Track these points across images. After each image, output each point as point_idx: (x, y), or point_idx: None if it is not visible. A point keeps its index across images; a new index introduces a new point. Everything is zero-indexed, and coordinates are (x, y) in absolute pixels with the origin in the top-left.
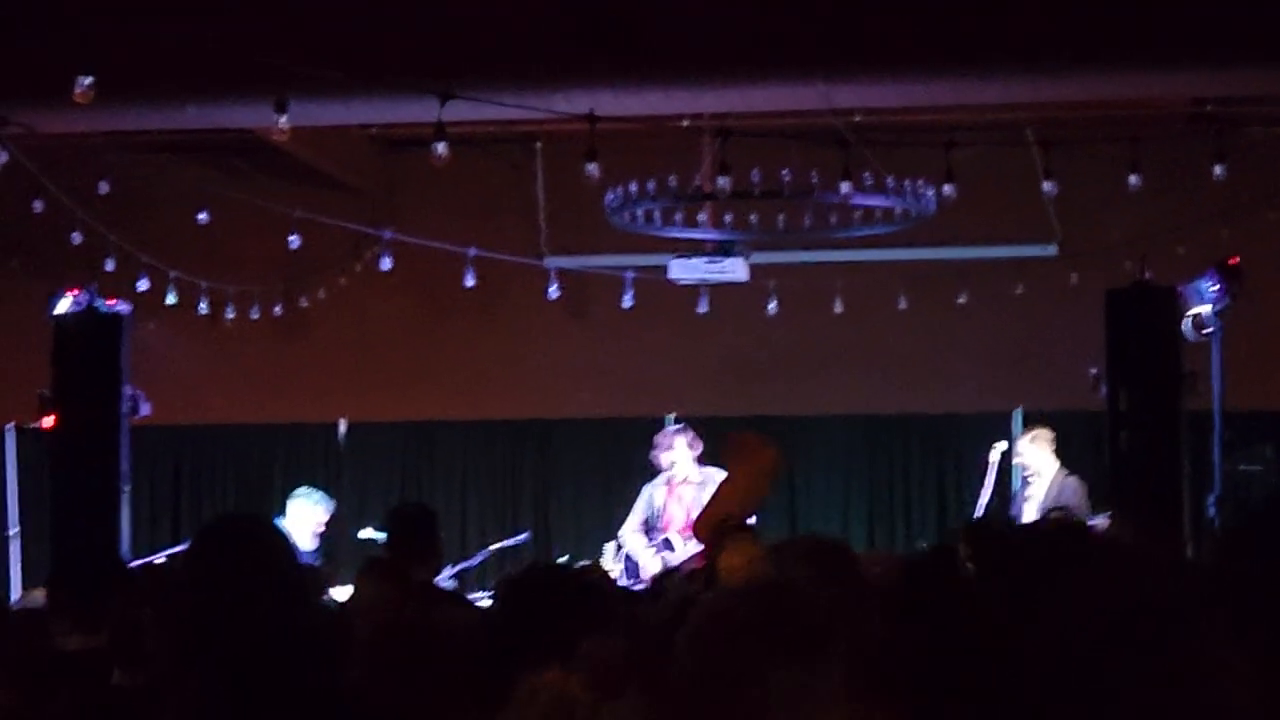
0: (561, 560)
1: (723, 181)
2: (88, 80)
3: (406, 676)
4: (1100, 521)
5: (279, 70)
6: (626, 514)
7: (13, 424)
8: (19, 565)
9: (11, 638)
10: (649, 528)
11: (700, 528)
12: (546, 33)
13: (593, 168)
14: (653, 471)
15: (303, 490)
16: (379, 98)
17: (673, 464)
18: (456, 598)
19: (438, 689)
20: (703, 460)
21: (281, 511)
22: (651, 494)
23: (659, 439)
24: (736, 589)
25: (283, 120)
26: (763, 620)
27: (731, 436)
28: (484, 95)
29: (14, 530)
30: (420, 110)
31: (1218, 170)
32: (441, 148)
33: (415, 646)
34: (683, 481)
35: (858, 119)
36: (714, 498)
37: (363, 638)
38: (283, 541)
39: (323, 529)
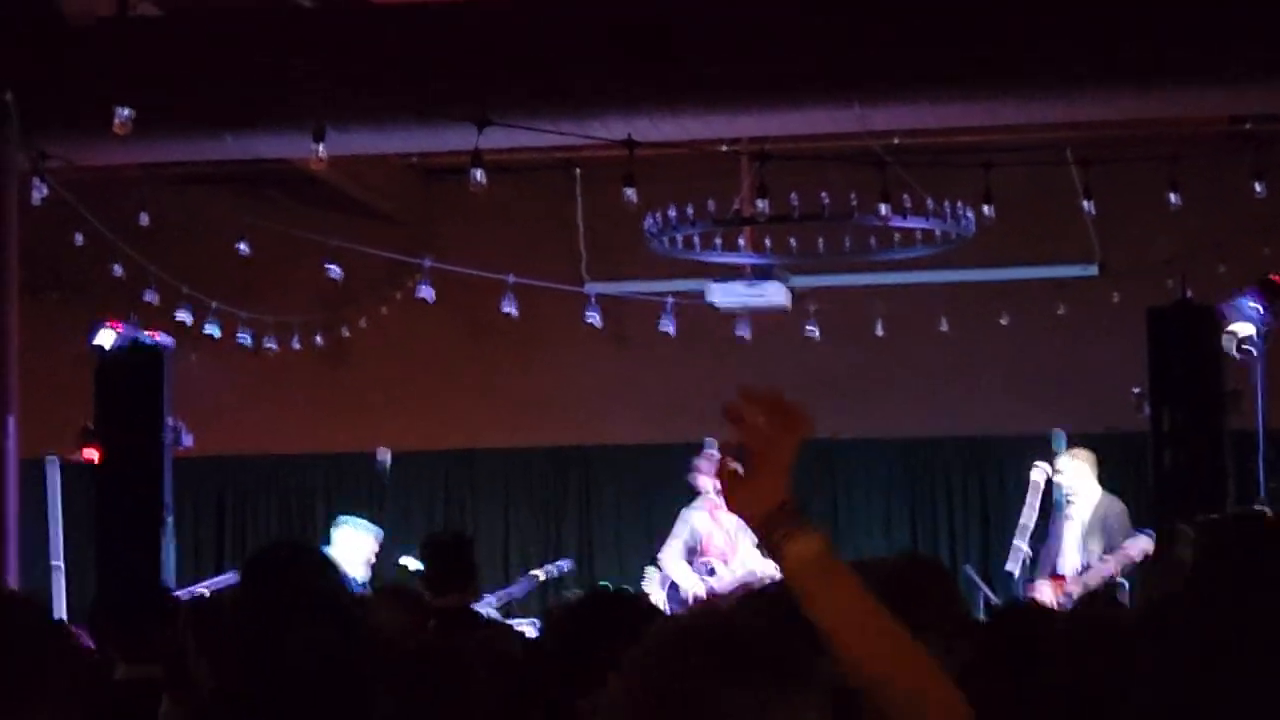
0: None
1: (762, 205)
2: (126, 112)
3: (417, 700)
4: (1144, 541)
5: (316, 100)
6: (666, 538)
7: (56, 456)
8: (64, 596)
9: (62, 667)
10: (690, 552)
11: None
12: (584, 59)
13: (631, 193)
14: (693, 495)
15: (349, 519)
16: (416, 126)
17: (714, 488)
18: (493, 624)
19: (453, 714)
20: None
21: (327, 540)
22: (692, 518)
23: (699, 462)
24: (695, 610)
25: (320, 149)
26: (715, 641)
27: None
28: (521, 122)
29: (57, 562)
30: (458, 138)
31: (1258, 188)
32: (479, 175)
33: (426, 672)
34: (724, 507)
35: (896, 141)
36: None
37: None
38: (331, 570)
39: (373, 558)
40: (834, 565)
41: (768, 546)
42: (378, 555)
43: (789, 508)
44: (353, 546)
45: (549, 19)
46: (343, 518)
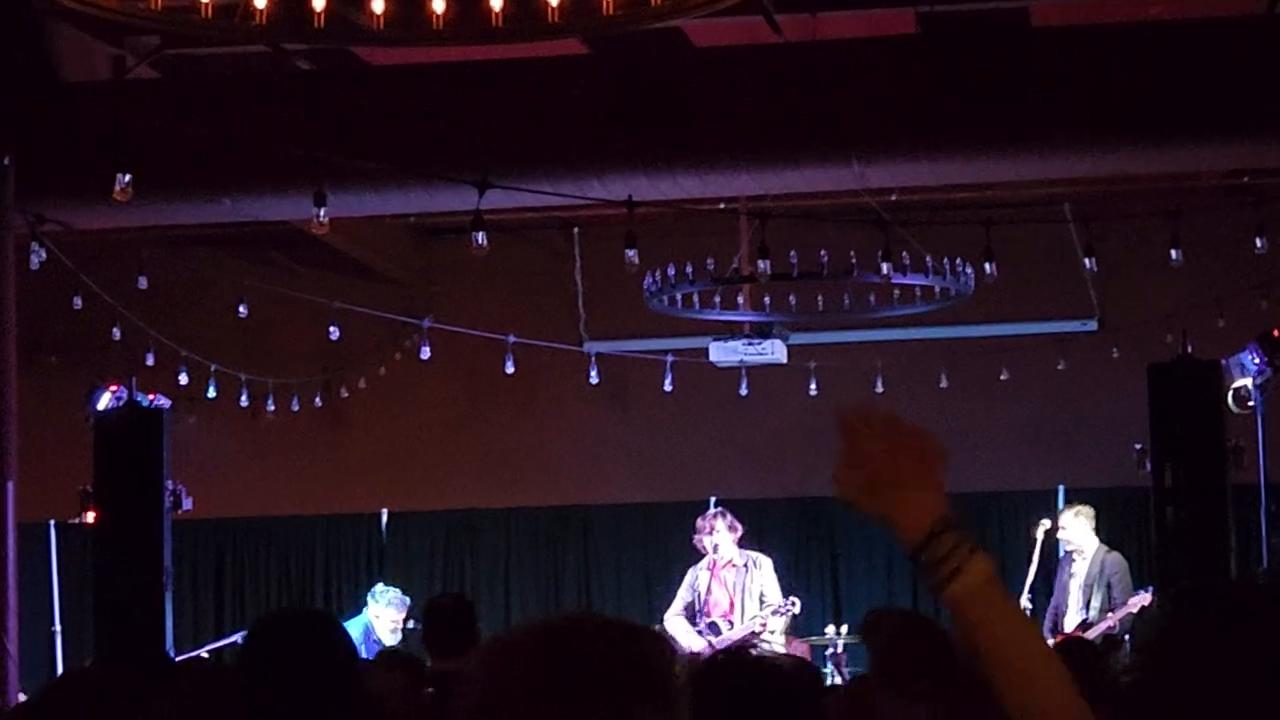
0: None
1: (763, 265)
2: (126, 178)
3: None
4: (1144, 597)
5: (314, 162)
6: (669, 598)
7: (53, 520)
8: (61, 662)
9: None
10: (692, 611)
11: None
12: (582, 120)
13: (632, 254)
14: (694, 555)
15: (380, 589)
16: (416, 188)
17: (715, 547)
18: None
19: None
20: (744, 543)
21: (328, 601)
22: (695, 577)
23: (700, 523)
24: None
25: (322, 214)
26: (545, 659)
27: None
28: (521, 183)
29: (55, 626)
30: (457, 199)
31: (1259, 243)
32: (481, 238)
33: None
34: (726, 565)
35: (894, 197)
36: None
37: None
38: (335, 639)
39: (402, 624)
40: (1002, 588)
41: (931, 576)
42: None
43: (951, 528)
44: (383, 617)
45: (548, 79)
46: (378, 587)
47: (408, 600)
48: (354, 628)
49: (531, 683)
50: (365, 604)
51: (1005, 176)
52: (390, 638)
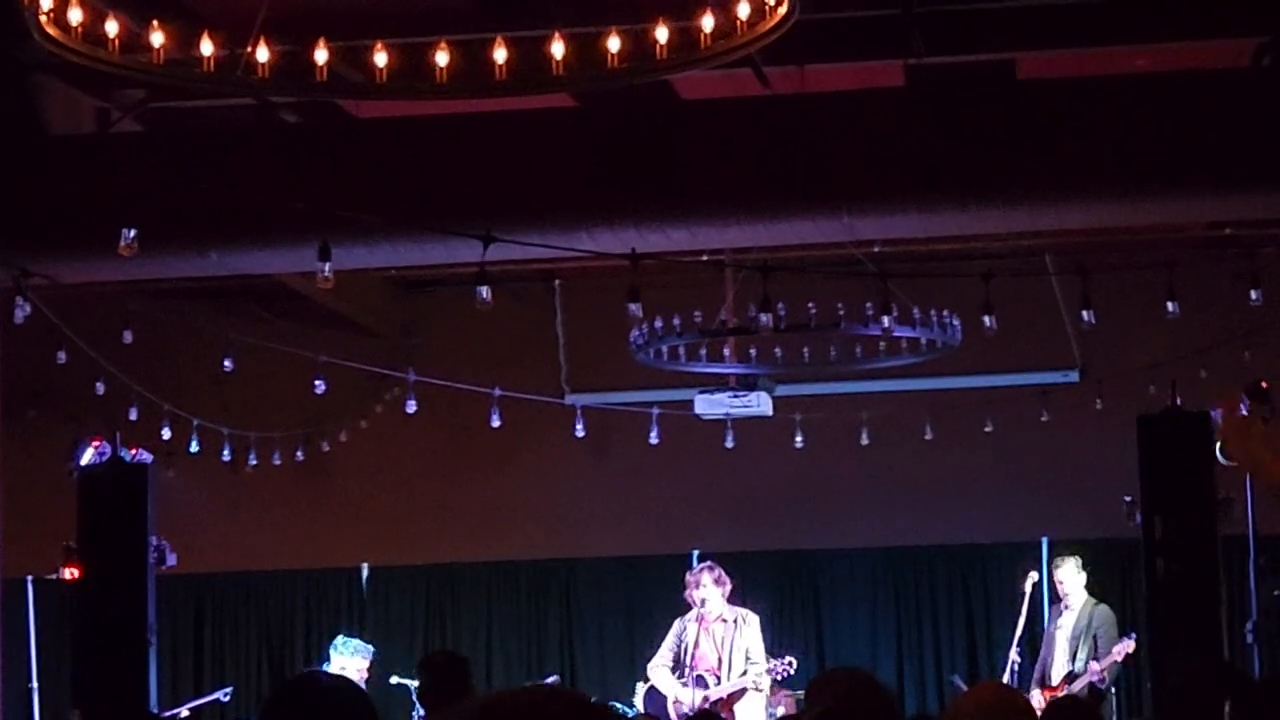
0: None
1: (765, 319)
2: (132, 233)
3: None
4: (1127, 644)
5: (301, 216)
6: (653, 652)
7: (31, 576)
8: (38, 717)
9: None
10: (678, 663)
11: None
12: (570, 174)
13: (635, 307)
14: (679, 607)
15: (342, 640)
16: (407, 242)
17: (703, 601)
18: None
19: None
20: (732, 599)
21: (309, 656)
22: (684, 628)
23: (689, 577)
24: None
25: (326, 268)
26: None
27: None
28: (512, 237)
29: (32, 684)
30: (446, 253)
31: (1254, 295)
32: (486, 292)
33: None
34: (715, 619)
35: (877, 249)
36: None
37: None
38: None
39: (366, 675)
40: None
41: None
42: (372, 671)
43: None
44: (346, 667)
45: (535, 133)
46: (339, 639)
47: (371, 649)
48: None
49: None
50: (328, 658)
51: (994, 228)
52: None
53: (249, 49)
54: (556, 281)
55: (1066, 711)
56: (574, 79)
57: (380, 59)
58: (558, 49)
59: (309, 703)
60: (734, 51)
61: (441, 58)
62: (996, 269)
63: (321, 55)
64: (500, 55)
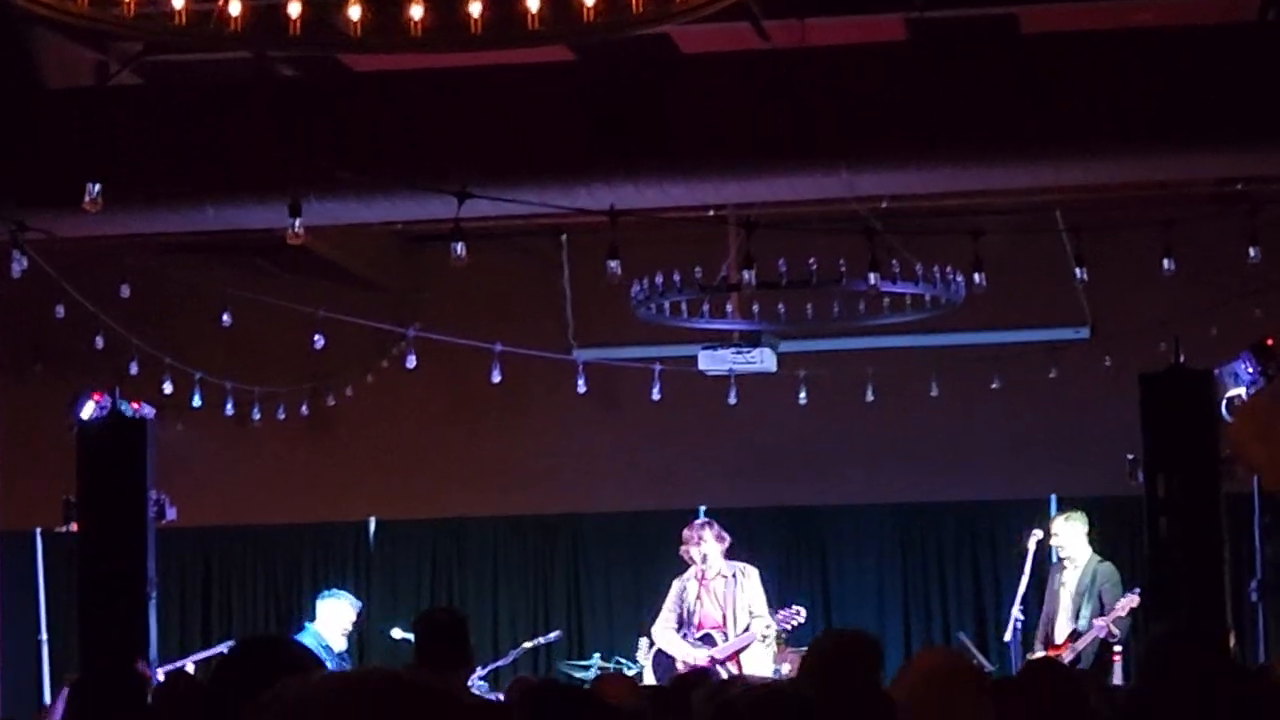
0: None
1: (748, 275)
2: (96, 188)
3: None
4: (1132, 599)
5: (297, 171)
6: (658, 608)
7: (39, 529)
8: (48, 669)
9: None
10: (681, 624)
11: None
12: (568, 128)
13: (614, 265)
14: (683, 564)
15: (332, 591)
16: (399, 197)
17: (704, 558)
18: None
19: None
20: (732, 553)
21: (310, 612)
22: (684, 588)
23: (687, 534)
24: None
25: (297, 224)
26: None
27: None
28: (506, 192)
29: (41, 635)
30: (442, 208)
31: (1253, 253)
32: (460, 248)
33: None
34: (715, 576)
35: (884, 205)
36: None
37: None
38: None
39: (351, 628)
40: None
41: None
42: (358, 625)
43: None
44: (332, 618)
45: (533, 86)
46: (327, 591)
47: (359, 602)
48: (305, 640)
49: None
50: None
51: (996, 184)
52: (339, 641)
53: (221, 2)
54: (563, 236)
55: (1042, 673)
56: (550, 33)
57: (354, 12)
58: (533, 2)
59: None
60: (711, 5)
61: (416, 11)
62: (1005, 225)
63: (295, 8)
64: (475, 9)
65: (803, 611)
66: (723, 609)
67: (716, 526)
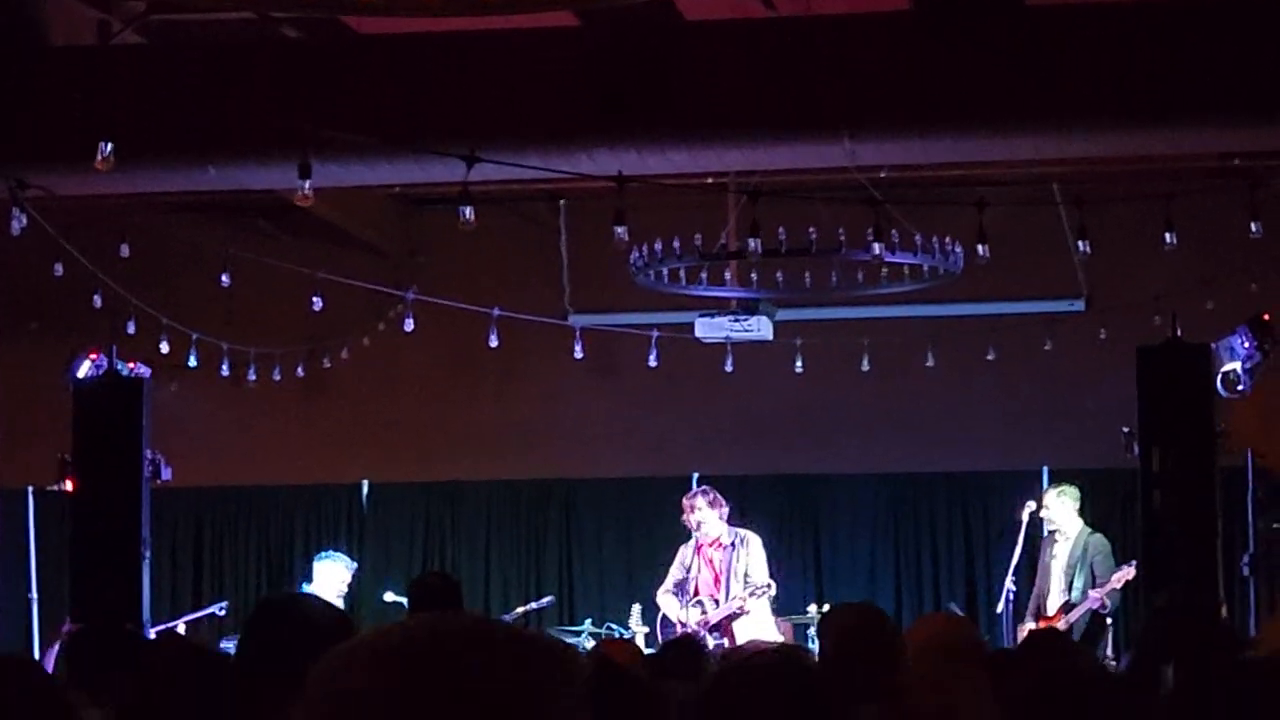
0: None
1: (754, 243)
2: (109, 147)
3: None
4: (1127, 571)
5: (300, 132)
6: (651, 574)
7: (31, 486)
8: (38, 628)
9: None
10: (680, 589)
11: None
12: (571, 94)
13: (621, 231)
14: (679, 530)
15: (328, 553)
16: (403, 160)
17: (699, 525)
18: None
19: None
20: (733, 520)
21: (305, 574)
22: (685, 554)
23: (684, 502)
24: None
25: (306, 186)
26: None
27: None
28: (509, 157)
29: (32, 594)
30: (445, 171)
31: (1254, 228)
32: (469, 212)
33: None
34: (713, 543)
35: (883, 174)
36: None
37: None
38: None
39: (347, 590)
40: None
41: None
42: (353, 586)
43: None
44: (327, 579)
45: (537, 52)
46: (323, 552)
47: (354, 564)
48: None
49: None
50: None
51: (998, 156)
52: (335, 603)
53: None
54: (561, 201)
55: (1042, 642)
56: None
57: None
58: None
59: (293, 620)
60: None
61: None
62: (1002, 197)
63: None
64: None
65: (773, 585)
66: (717, 575)
67: (713, 493)
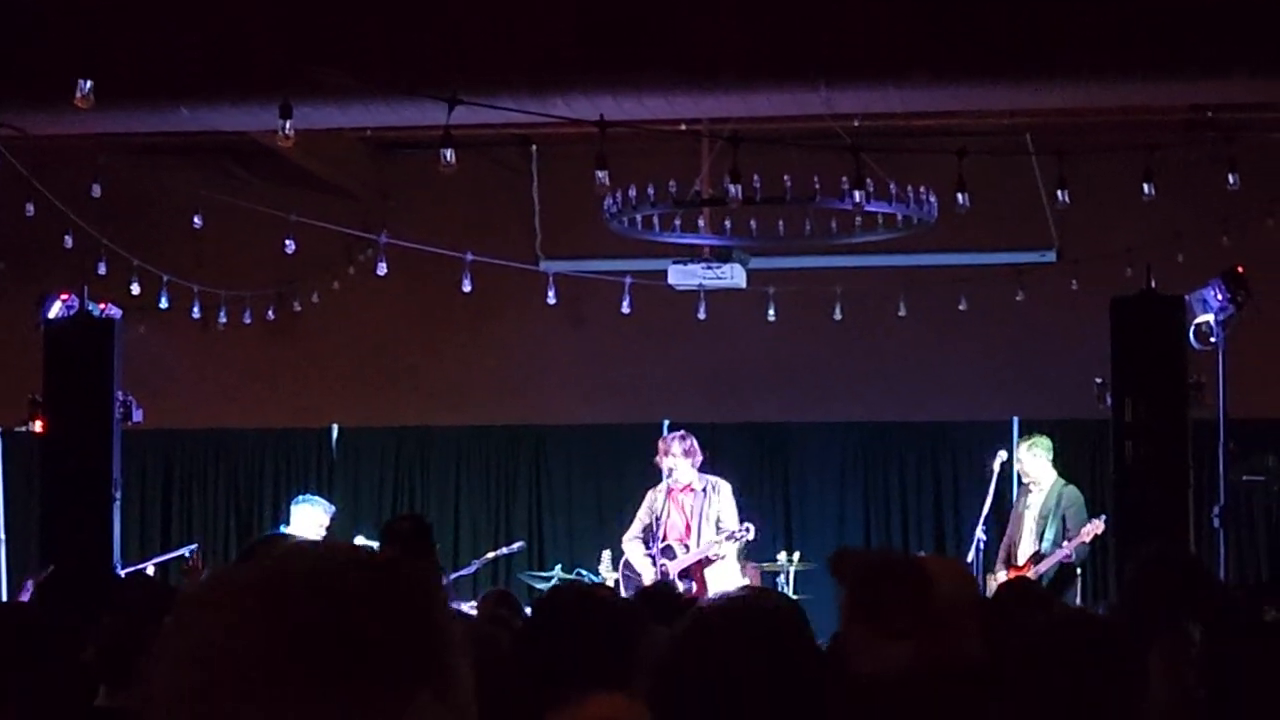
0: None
1: (734, 190)
2: (88, 85)
3: None
4: (1097, 525)
5: (274, 73)
6: (620, 520)
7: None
8: (6, 568)
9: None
10: (648, 534)
11: None
12: (548, 39)
13: (603, 175)
14: (648, 477)
15: (307, 496)
16: (379, 102)
17: (670, 470)
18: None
19: None
20: (704, 467)
21: (276, 516)
22: (654, 499)
23: (660, 444)
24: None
25: (287, 126)
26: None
27: None
28: (484, 100)
29: (0, 534)
30: (419, 114)
31: (1231, 179)
32: (450, 154)
33: None
34: (684, 489)
35: (856, 123)
36: None
37: None
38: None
39: (325, 534)
40: None
41: None
42: (329, 529)
43: None
44: (306, 523)
45: None
46: (301, 496)
47: (332, 507)
48: None
49: (249, 649)
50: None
51: (973, 105)
52: None
53: None
54: (533, 146)
55: (1014, 592)
56: None
57: None
58: None
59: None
60: None
61: None
62: (976, 147)
63: None
64: None
65: (752, 529)
66: (687, 520)
67: (690, 440)
